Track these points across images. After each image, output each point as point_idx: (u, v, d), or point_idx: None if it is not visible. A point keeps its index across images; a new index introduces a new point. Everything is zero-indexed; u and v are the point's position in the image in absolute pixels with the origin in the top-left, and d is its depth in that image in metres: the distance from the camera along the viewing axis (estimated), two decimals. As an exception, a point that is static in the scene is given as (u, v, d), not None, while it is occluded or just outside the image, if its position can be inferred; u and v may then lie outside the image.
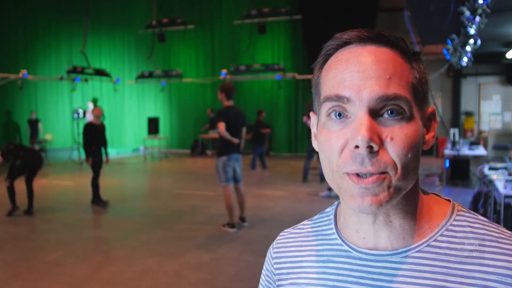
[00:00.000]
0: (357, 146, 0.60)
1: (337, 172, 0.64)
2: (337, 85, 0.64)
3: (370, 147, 0.60)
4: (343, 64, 0.65)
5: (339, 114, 0.64)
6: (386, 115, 0.63)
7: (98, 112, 7.56)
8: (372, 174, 0.61)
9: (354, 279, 0.70)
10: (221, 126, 5.74)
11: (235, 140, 5.86)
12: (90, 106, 16.35)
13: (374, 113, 0.62)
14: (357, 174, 0.62)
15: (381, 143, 0.62)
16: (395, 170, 0.62)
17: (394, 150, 0.62)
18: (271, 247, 0.86)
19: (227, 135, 5.78)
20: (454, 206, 0.72)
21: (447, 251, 0.67)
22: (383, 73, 0.63)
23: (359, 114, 0.62)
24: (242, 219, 6.27)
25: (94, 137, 7.39)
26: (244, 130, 6.07)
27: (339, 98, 0.63)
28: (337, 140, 0.64)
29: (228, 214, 6.04)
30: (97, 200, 7.63)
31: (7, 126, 17.28)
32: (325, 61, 0.70)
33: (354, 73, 0.63)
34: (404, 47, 0.67)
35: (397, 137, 0.62)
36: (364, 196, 0.62)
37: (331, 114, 0.65)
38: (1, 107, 17.40)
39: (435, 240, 0.68)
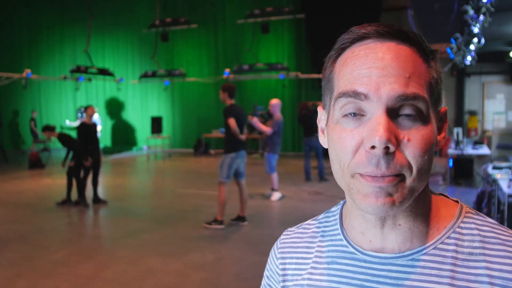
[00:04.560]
0: (373, 147, 0.59)
1: (349, 172, 0.62)
2: (354, 81, 0.62)
3: (386, 148, 0.58)
4: (360, 59, 0.62)
5: (354, 113, 0.62)
6: (403, 115, 0.61)
7: (91, 111, 7.58)
8: (387, 176, 0.60)
9: (358, 282, 0.69)
10: (232, 121, 5.86)
11: (243, 137, 5.98)
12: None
13: (391, 113, 0.60)
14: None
15: (398, 144, 0.60)
16: (410, 171, 0.60)
17: (410, 152, 0.60)
18: (275, 246, 0.84)
19: (237, 130, 5.86)
20: (462, 208, 0.70)
21: (454, 254, 0.65)
22: (403, 72, 0.61)
23: (376, 113, 0.60)
24: (242, 219, 6.27)
25: (89, 137, 7.43)
26: (245, 128, 6.19)
27: (356, 94, 0.61)
28: (352, 139, 0.62)
29: (218, 210, 6.07)
30: (82, 198, 7.61)
31: (12, 125, 17.37)
32: (338, 55, 0.67)
33: (373, 70, 0.61)
34: (423, 45, 0.65)
35: (414, 138, 0.60)
36: (378, 195, 0.60)
37: (346, 110, 0.63)
38: (6, 107, 17.48)
39: (442, 243, 0.66)
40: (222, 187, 5.96)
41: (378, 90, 0.60)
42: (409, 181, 0.61)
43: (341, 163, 0.63)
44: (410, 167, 0.60)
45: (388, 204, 0.60)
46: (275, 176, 7.89)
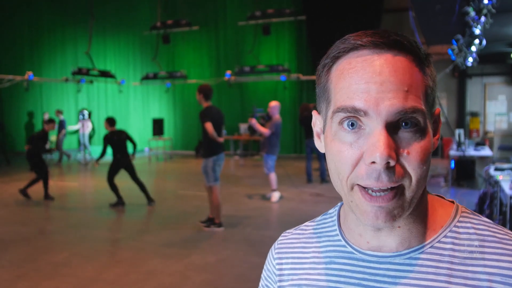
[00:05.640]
0: (373, 162, 0.60)
1: (348, 184, 0.64)
2: (352, 96, 0.62)
3: (387, 163, 0.59)
4: (358, 73, 0.62)
5: (352, 124, 0.63)
6: (401, 127, 0.62)
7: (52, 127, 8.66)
8: (387, 189, 0.61)
9: (356, 281, 0.70)
10: (209, 125, 5.82)
11: (221, 139, 5.98)
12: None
13: (390, 127, 0.61)
14: (366, 189, 0.62)
15: (397, 158, 0.61)
16: (409, 181, 0.62)
17: (410, 164, 0.61)
18: (272, 247, 0.85)
19: (214, 134, 5.85)
20: (458, 208, 0.72)
21: (451, 253, 0.67)
22: (401, 85, 0.61)
23: (376, 129, 0.61)
24: (211, 220, 6.21)
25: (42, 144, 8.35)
26: (223, 129, 6.21)
27: (355, 110, 0.61)
28: (351, 154, 0.62)
29: (215, 213, 6.08)
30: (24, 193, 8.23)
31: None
32: (333, 63, 0.67)
33: (371, 85, 0.61)
34: (419, 53, 0.65)
35: (413, 151, 0.61)
36: (378, 213, 0.62)
37: (344, 123, 0.63)
38: (8, 109, 17.49)
39: (439, 242, 0.68)
40: (214, 190, 5.98)
41: (378, 106, 0.60)
42: (408, 192, 0.62)
43: (340, 175, 0.64)
44: (409, 178, 0.62)
45: (389, 221, 0.62)
46: (273, 176, 7.94)
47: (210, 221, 6.19)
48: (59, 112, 14.53)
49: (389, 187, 0.61)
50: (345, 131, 0.63)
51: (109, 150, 7.67)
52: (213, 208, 6.06)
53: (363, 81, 0.62)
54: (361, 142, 0.62)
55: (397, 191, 0.61)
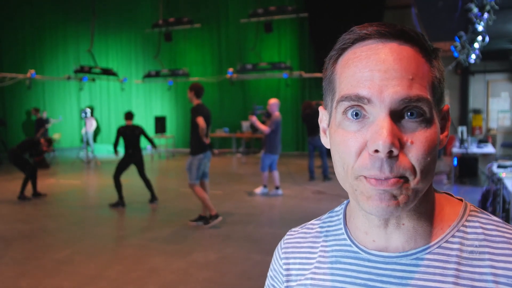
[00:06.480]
0: (376, 150, 0.58)
1: (353, 174, 0.62)
2: (356, 84, 0.61)
3: (390, 152, 0.58)
4: (362, 61, 0.62)
5: (356, 114, 0.62)
6: (406, 117, 0.60)
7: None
8: (390, 178, 0.59)
9: (362, 281, 0.69)
10: (201, 120, 5.88)
11: (208, 140, 6.04)
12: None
13: (395, 115, 0.60)
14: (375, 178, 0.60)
15: (401, 147, 0.59)
16: (413, 174, 0.60)
17: (414, 154, 0.60)
18: (278, 246, 0.84)
19: (205, 130, 5.91)
20: (467, 206, 0.70)
21: (458, 253, 0.65)
22: (406, 73, 0.60)
23: (379, 116, 0.60)
24: (204, 218, 6.21)
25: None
26: (209, 129, 6.27)
27: (359, 98, 0.60)
28: (355, 142, 0.61)
29: (208, 207, 6.09)
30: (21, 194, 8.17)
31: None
32: (339, 55, 0.66)
33: (375, 72, 0.60)
34: (425, 44, 0.64)
35: (417, 140, 0.60)
36: (383, 198, 0.60)
37: (348, 113, 0.62)
38: (10, 107, 17.53)
39: (446, 242, 0.66)
40: (196, 188, 6.00)
41: (381, 94, 0.59)
42: (413, 183, 0.61)
43: (344, 165, 0.63)
44: (413, 170, 0.60)
45: (392, 207, 0.60)
46: (266, 175, 8.13)
47: (202, 219, 6.21)
48: (36, 110, 14.14)
49: (390, 177, 0.59)
50: (349, 120, 0.62)
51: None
52: (204, 202, 6.06)
53: (367, 69, 0.61)
54: (365, 131, 0.61)
55: (401, 179, 0.60)
